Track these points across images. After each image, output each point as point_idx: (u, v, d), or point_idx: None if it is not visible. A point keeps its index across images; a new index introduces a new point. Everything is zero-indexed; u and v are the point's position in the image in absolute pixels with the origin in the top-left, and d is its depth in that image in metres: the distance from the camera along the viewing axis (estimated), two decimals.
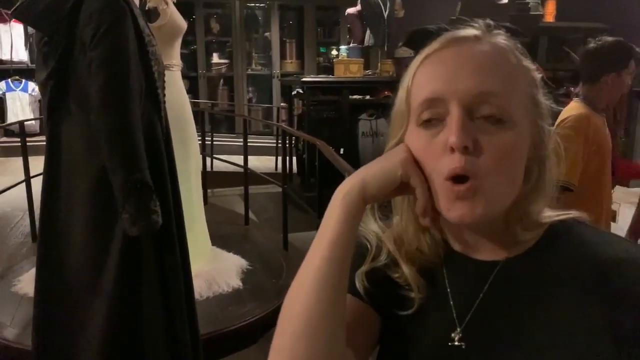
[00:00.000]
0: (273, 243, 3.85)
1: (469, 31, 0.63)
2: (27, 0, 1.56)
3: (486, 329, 0.63)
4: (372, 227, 0.72)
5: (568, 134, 2.01)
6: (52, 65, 1.57)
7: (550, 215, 0.64)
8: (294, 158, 5.58)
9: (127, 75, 1.54)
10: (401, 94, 0.65)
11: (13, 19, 6.17)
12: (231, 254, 3.52)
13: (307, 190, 4.89)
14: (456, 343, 0.64)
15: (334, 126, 5.15)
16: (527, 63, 0.64)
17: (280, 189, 3.95)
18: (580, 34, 4.18)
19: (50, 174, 1.67)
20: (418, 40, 0.65)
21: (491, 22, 0.64)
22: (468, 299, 0.65)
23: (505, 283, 0.63)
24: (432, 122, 0.61)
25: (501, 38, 0.64)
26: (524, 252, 0.64)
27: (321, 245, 0.62)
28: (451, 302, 0.66)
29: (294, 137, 5.29)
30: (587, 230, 0.64)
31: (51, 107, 1.64)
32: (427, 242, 0.69)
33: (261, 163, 6.51)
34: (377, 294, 0.70)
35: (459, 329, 0.64)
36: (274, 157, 6.35)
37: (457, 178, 0.59)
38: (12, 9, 1.59)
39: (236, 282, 3.14)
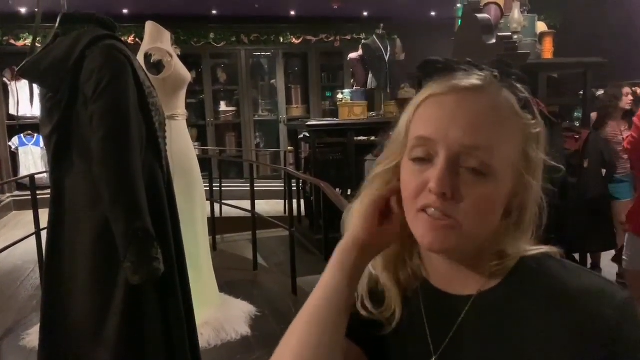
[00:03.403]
0: (282, 288, 3.82)
1: (472, 81, 0.65)
2: (32, 59, 1.63)
3: (461, 358, 0.66)
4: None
5: None
6: (56, 119, 1.62)
7: (522, 249, 0.66)
8: (302, 201, 5.59)
9: (128, 127, 1.58)
10: (401, 125, 0.69)
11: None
12: (239, 300, 3.50)
13: (316, 232, 4.88)
14: None
15: (341, 168, 5.18)
16: (527, 118, 0.65)
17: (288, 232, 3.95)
18: (580, 69, 4.23)
19: (54, 225, 1.70)
20: (428, 69, 0.69)
21: (497, 73, 0.66)
22: (443, 330, 0.68)
23: (478, 316, 0.66)
24: (422, 160, 0.64)
25: (503, 91, 0.65)
26: (495, 286, 0.67)
27: (317, 291, 0.66)
28: (428, 334, 0.69)
29: (301, 180, 5.33)
30: (556, 264, 0.66)
31: (55, 160, 1.68)
32: (409, 269, 0.73)
33: (271, 207, 6.54)
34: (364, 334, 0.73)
35: (434, 358, 0.68)
36: (282, 201, 6.37)
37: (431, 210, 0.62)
38: (17, 68, 1.66)
39: (244, 330, 3.10)
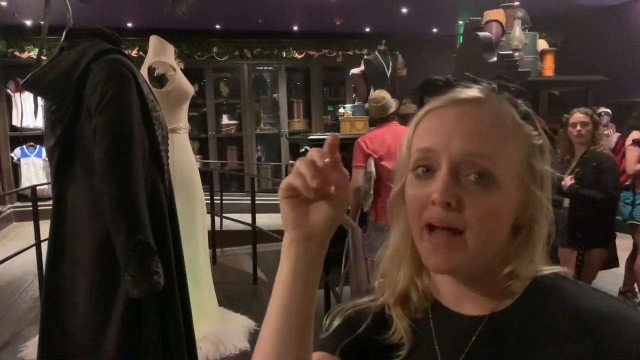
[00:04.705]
0: None
1: (472, 92, 0.65)
2: (36, 72, 1.64)
3: None
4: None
5: None
6: (60, 132, 1.63)
7: (534, 269, 0.65)
8: None
9: (131, 140, 1.59)
10: (404, 143, 0.68)
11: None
12: (238, 314, 3.48)
13: None
14: None
15: None
16: (528, 128, 0.65)
17: None
18: (581, 86, 4.26)
19: (56, 237, 1.70)
20: (429, 88, 0.69)
21: (495, 86, 0.66)
22: (454, 352, 0.66)
23: (491, 337, 0.64)
24: (425, 172, 0.63)
25: (503, 103, 0.65)
26: (508, 306, 0.65)
27: (274, 291, 0.66)
28: (438, 355, 0.67)
29: None
30: (570, 285, 0.65)
31: (58, 172, 1.68)
32: (418, 288, 0.70)
33: (272, 220, 6.49)
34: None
35: None
36: None
37: (433, 227, 0.61)
38: (23, 81, 1.67)
39: (243, 344, 3.08)
